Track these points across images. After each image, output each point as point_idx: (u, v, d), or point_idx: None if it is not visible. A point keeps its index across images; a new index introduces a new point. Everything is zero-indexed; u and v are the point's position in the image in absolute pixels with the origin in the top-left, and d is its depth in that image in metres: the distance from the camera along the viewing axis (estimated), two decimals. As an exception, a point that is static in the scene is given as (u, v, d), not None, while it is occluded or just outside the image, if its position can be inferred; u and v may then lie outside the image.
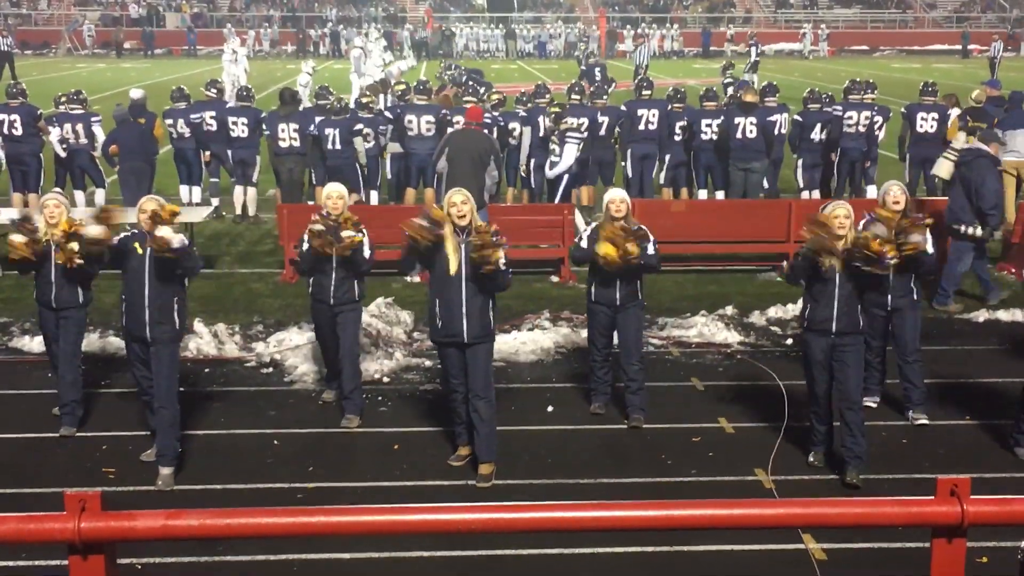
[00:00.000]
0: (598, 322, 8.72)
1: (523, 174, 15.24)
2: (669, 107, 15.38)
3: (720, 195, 15.16)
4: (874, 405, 8.80)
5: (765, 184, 15.19)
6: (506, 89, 22.47)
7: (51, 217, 8.07)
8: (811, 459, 7.92)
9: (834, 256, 7.39)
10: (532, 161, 15.00)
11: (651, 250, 8.42)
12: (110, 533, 3.27)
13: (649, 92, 15.65)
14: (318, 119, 14.89)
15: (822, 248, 7.38)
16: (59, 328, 8.36)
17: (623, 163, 15.62)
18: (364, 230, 8.49)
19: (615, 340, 8.82)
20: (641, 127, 15.23)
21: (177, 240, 7.32)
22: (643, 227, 8.53)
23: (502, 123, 14.92)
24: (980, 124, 15.16)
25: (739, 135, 14.57)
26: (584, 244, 8.52)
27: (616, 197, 8.49)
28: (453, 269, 7.47)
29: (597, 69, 28.72)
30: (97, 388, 9.37)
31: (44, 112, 15.72)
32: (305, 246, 8.44)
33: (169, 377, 7.58)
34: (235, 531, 3.41)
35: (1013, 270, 13.22)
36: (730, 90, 16.74)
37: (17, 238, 8.04)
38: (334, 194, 8.47)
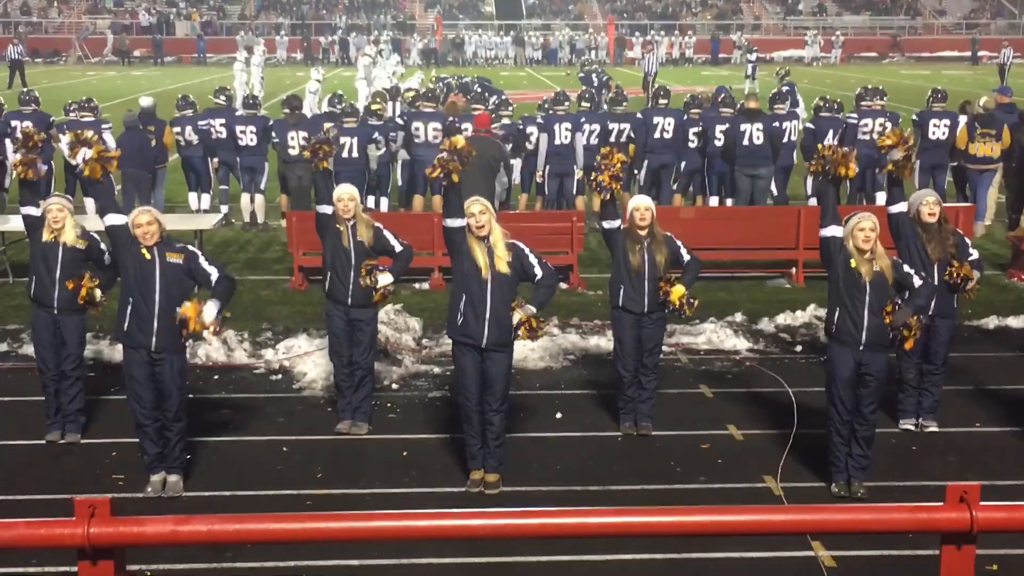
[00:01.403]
0: (624, 330, 8.43)
1: (539, 180, 15.25)
2: (685, 115, 15.37)
3: (729, 202, 15.16)
4: (936, 429, 8.63)
5: (773, 191, 15.18)
6: (515, 96, 22.52)
7: (55, 221, 8.06)
8: (834, 489, 7.57)
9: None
10: (548, 168, 15.00)
11: (687, 256, 8.45)
12: (119, 538, 3.28)
13: (666, 101, 15.64)
14: (329, 125, 14.90)
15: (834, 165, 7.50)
16: (59, 334, 8.27)
17: (636, 172, 15.59)
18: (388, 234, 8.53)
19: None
20: (656, 135, 15.20)
21: (213, 323, 7.31)
22: (668, 234, 8.49)
23: (520, 126, 14.95)
24: (989, 131, 15.15)
25: (746, 142, 14.57)
26: (616, 223, 8.40)
27: (641, 204, 8.34)
28: (484, 275, 7.39)
29: (594, 75, 28.90)
30: (106, 395, 9.39)
31: (55, 119, 15.78)
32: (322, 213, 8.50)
33: (180, 387, 7.47)
34: (244, 536, 3.42)
35: (1023, 277, 13.19)
36: (800, 102, 16.83)
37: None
38: (345, 196, 8.36)
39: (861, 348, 7.32)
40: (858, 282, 7.26)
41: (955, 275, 8.17)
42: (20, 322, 11.38)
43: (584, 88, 17.82)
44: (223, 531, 3.37)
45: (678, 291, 8.31)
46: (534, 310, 7.50)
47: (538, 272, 7.53)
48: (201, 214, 15.39)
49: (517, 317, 7.46)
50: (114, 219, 7.48)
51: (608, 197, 8.26)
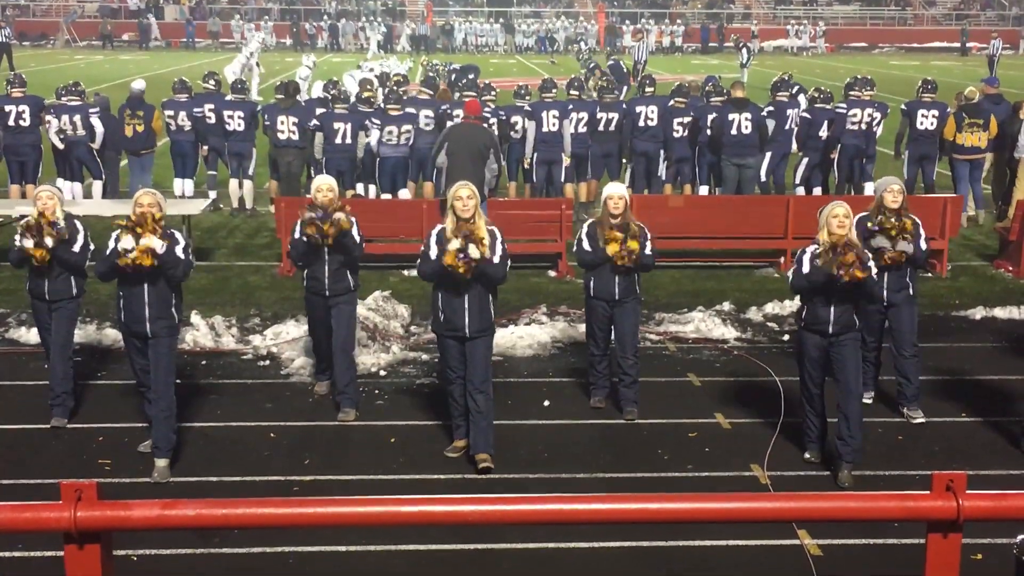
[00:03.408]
0: (597, 317, 8.71)
1: (526, 167, 15.26)
2: (671, 103, 15.36)
3: (718, 191, 15.19)
4: (869, 401, 8.79)
5: (762, 177, 15.20)
6: (504, 84, 22.47)
7: (44, 209, 8.07)
8: (807, 456, 7.91)
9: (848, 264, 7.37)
10: (536, 155, 15.02)
11: (648, 250, 8.45)
12: (106, 522, 3.27)
13: (652, 89, 15.64)
14: (320, 111, 14.88)
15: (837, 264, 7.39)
16: (51, 319, 8.38)
17: (624, 160, 15.67)
18: (353, 218, 8.44)
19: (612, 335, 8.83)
20: (640, 124, 15.23)
21: (159, 246, 7.30)
22: (641, 225, 8.54)
23: (503, 116, 14.92)
24: (976, 120, 15.18)
25: (733, 131, 14.58)
26: (587, 247, 8.50)
27: (614, 193, 8.50)
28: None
29: (620, 64, 28.83)
30: (93, 380, 9.37)
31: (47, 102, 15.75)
32: (297, 234, 8.42)
33: (167, 370, 7.58)
34: (231, 521, 3.41)
35: (1010, 268, 13.24)
36: (802, 97, 16.75)
37: (29, 244, 8.04)
38: (324, 187, 8.43)
39: (829, 335, 7.54)
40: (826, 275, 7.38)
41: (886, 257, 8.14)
42: (6, 307, 11.33)
43: (573, 76, 17.80)
44: (210, 516, 3.36)
45: (633, 244, 8.32)
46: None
47: (496, 261, 7.62)
48: (189, 199, 15.33)
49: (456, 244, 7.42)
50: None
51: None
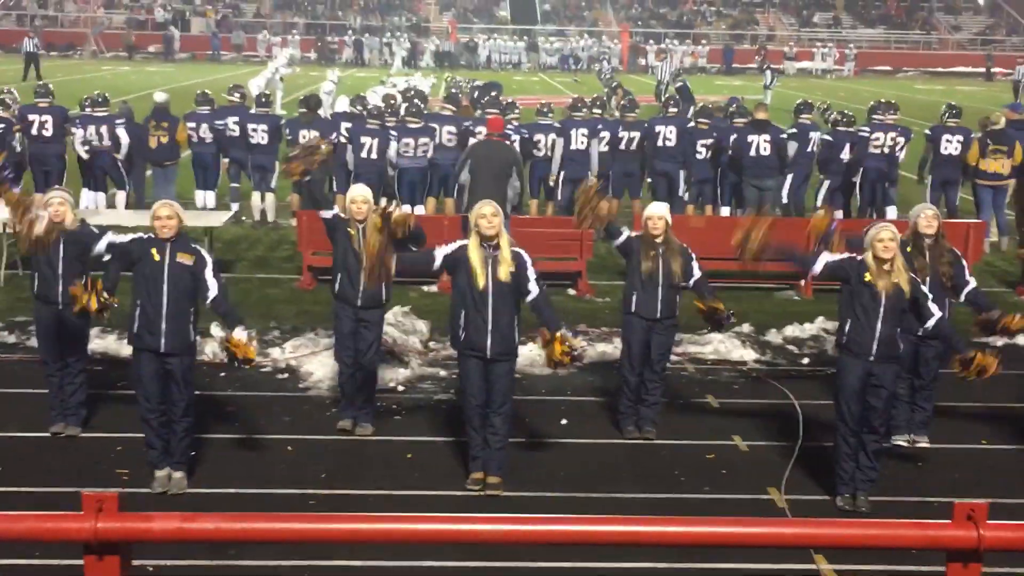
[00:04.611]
0: (636, 339, 8.48)
1: (551, 184, 15.27)
2: (691, 123, 15.37)
3: (738, 212, 15.17)
4: (906, 444, 8.58)
5: (783, 199, 15.17)
6: (527, 101, 22.52)
7: (56, 214, 8.02)
8: (839, 503, 7.57)
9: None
10: (562, 174, 15.04)
11: (697, 272, 8.48)
12: (126, 534, 3.29)
13: (676, 110, 15.66)
14: (346, 125, 14.95)
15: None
16: (62, 328, 8.22)
17: (649, 180, 15.71)
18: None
19: None
20: (659, 143, 15.26)
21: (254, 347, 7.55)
22: (684, 245, 8.53)
23: (526, 135, 14.95)
24: (1001, 147, 15.12)
25: (752, 152, 14.59)
26: (623, 237, 8.44)
27: (654, 213, 8.39)
28: (481, 284, 7.40)
29: (687, 85, 28.87)
30: (113, 389, 9.40)
31: (70, 111, 15.88)
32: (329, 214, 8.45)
33: (188, 386, 7.50)
34: (250, 535, 3.42)
35: (1033, 295, 13.15)
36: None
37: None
38: (359, 198, 8.28)
39: (871, 359, 7.30)
40: (873, 294, 7.24)
41: (973, 370, 7.63)
42: (28, 314, 11.37)
43: (596, 95, 17.86)
44: (230, 529, 3.37)
45: (718, 303, 8.42)
46: (560, 331, 7.43)
47: (532, 289, 7.52)
48: (212, 211, 15.41)
49: (557, 350, 7.34)
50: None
51: (603, 231, 8.53)
